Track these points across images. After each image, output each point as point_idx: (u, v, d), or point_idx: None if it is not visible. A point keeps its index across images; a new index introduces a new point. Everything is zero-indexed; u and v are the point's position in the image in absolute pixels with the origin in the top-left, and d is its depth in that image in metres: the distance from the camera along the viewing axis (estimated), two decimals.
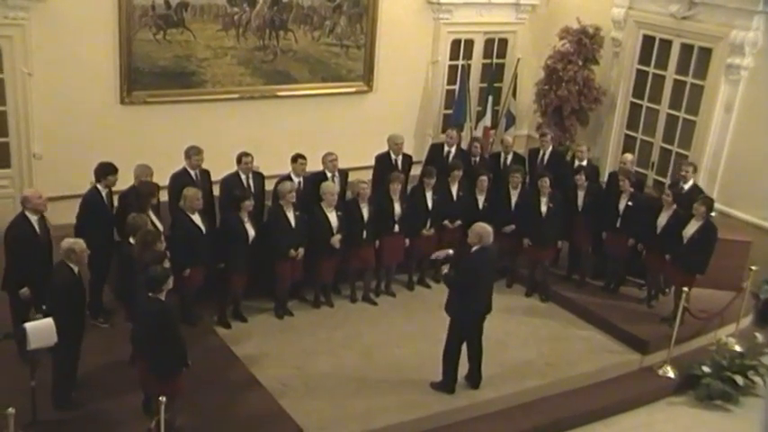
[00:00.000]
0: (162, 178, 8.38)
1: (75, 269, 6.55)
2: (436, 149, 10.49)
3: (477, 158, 10.36)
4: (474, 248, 7.40)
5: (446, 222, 9.39)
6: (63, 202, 8.59)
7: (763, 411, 7.73)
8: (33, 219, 7.14)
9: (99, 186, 7.85)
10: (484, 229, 7.41)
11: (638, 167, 10.66)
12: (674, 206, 8.82)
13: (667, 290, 9.41)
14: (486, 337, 7.84)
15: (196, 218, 7.97)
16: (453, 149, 10.32)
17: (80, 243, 6.60)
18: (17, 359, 6.71)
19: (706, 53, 10.50)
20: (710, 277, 8.81)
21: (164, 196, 8.34)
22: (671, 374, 8.50)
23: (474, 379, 7.69)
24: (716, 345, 8.90)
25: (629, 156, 10.07)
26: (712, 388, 8.24)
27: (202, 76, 10.40)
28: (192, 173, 8.60)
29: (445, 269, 7.72)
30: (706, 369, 8.39)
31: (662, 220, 8.91)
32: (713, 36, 10.31)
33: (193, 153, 8.58)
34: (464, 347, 7.61)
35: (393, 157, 9.93)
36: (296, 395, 7.32)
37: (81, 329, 6.68)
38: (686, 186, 9.30)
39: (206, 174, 8.76)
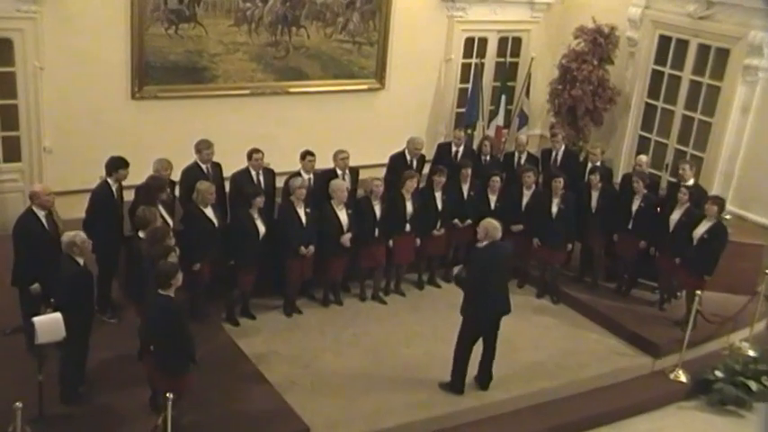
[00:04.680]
0: (172, 173, 8.37)
1: (81, 261, 6.57)
2: (444, 149, 10.46)
3: (488, 157, 10.32)
4: (482, 244, 7.38)
5: (456, 221, 9.37)
6: (73, 197, 8.62)
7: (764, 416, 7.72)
8: (41, 214, 7.14)
9: (109, 180, 7.88)
10: (490, 223, 7.38)
11: (651, 169, 10.59)
12: (688, 204, 8.77)
13: (680, 293, 9.35)
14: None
15: (209, 211, 8.00)
16: (461, 149, 10.30)
17: (80, 235, 6.61)
18: (25, 353, 6.73)
19: (723, 54, 10.44)
20: (724, 281, 8.78)
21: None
22: (683, 379, 8.46)
23: (484, 380, 7.68)
24: (729, 349, 8.86)
25: (643, 157, 10.01)
26: (725, 393, 8.19)
27: (214, 72, 10.41)
28: (204, 167, 8.63)
29: (456, 269, 7.68)
30: (719, 374, 8.35)
31: (674, 216, 8.87)
32: (731, 36, 10.24)
33: (204, 147, 8.61)
34: (475, 348, 7.59)
35: (408, 158, 9.90)
36: (303, 393, 7.33)
37: (89, 323, 6.70)
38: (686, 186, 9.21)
39: (217, 167, 8.80)
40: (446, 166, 9.55)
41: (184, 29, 10.06)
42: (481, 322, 7.47)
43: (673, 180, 10.62)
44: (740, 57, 10.15)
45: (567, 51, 11.72)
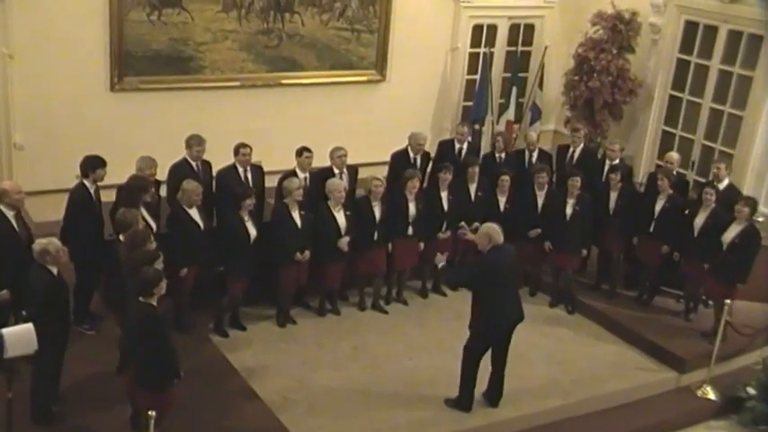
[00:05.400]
0: (156, 172, 8.36)
1: (54, 270, 6.55)
2: (446, 146, 10.44)
3: (503, 155, 10.30)
4: (487, 250, 7.36)
5: (463, 224, 9.36)
6: (46, 197, 8.63)
7: None
8: (10, 215, 7.12)
9: (86, 182, 7.86)
10: (491, 228, 7.36)
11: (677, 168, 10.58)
12: (713, 206, 8.77)
13: (709, 302, 9.34)
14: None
15: (194, 213, 8.00)
16: (465, 146, 10.29)
17: (54, 242, 6.57)
18: None
19: (756, 40, 10.41)
20: (756, 289, 8.75)
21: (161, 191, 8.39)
22: (711, 396, 8.45)
23: (494, 396, 7.66)
24: (762, 364, 8.82)
25: (674, 154, 9.99)
26: (758, 412, 8.15)
27: (200, 62, 10.40)
28: (194, 164, 8.64)
29: (441, 262, 7.61)
30: (751, 391, 8.32)
31: (699, 221, 8.87)
32: (765, 21, 10.21)
33: (195, 143, 8.62)
34: (483, 361, 7.58)
35: (412, 155, 9.89)
36: (297, 410, 7.32)
37: (65, 336, 6.67)
38: (721, 186, 9.22)
39: (207, 165, 8.80)
40: (450, 164, 9.54)
41: (168, 15, 10.05)
42: (494, 334, 7.46)
43: (700, 179, 10.64)
44: None
45: (584, 39, 11.72)
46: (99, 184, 7.98)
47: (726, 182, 9.26)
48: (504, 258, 7.39)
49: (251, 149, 8.79)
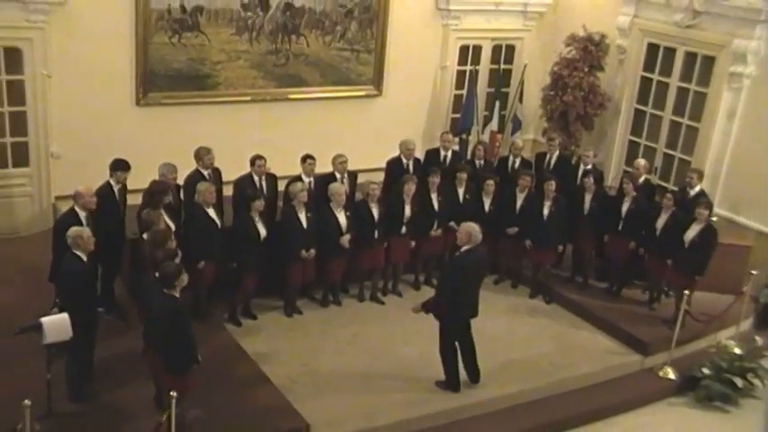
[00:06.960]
0: (177, 177, 8.40)
1: (84, 257, 6.59)
2: (432, 154, 10.43)
3: (482, 162, 10.34)
4: (464, 248, 7.36)
5: (452, 224, 9.40)
6: None
7: (763, 414, 7.74)
8: (82, 215, 7.27)
9: (111, 181, 7.93)
10: (473, 227, 7.33)
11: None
12: (673, 209, 8.83)
13: (670, 292, 9.39)
14: (492, 336, 7.92)
15: (211, 212, 8.04)
16: (449, 153, 10.31)
17: (86, 230, 6.68)
18: (33, 352, 6.72)
19: (709, 61, 10.48)
20: (711, 281, 8.81)
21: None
22: (671, 376, 8.49)
23: (474, 375, 7.70)
24: (716, 347, 8.89)
25: (641, 161, 10.02)
26: (712, 389, 8.22)
27: (216, 79, 10.43)
28: (206, 173, 8.63)
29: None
30: (706, 371, 8.37)
31: (660, 222, 8.92)
32: (716, 45, 10.29)
33: (204, 153, 8.60)
34: None
35: (405, 161, 9.92)
36: (304, 391, 7.34)
37: (94, 322, 6.71)
38: (692, 192, 9.30)
39: (217, 172, 8.80)
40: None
41: (187, 38, 10.08)
42: (461, 324, 7.50)
43: (663, 184, 10.72)
44: (725, 64, 10.19)
45: (559, 59, 11.76)
46: (126, 185, 8.05)
47: (697, 188, 9.33)
48: (474, 261, 7.35)
49: (266, 161, 8.77)
